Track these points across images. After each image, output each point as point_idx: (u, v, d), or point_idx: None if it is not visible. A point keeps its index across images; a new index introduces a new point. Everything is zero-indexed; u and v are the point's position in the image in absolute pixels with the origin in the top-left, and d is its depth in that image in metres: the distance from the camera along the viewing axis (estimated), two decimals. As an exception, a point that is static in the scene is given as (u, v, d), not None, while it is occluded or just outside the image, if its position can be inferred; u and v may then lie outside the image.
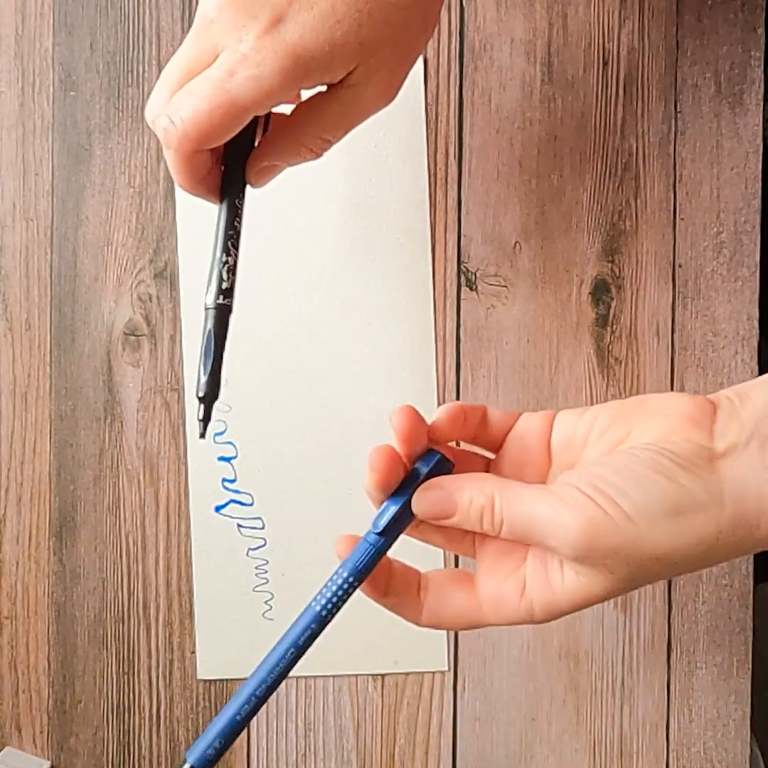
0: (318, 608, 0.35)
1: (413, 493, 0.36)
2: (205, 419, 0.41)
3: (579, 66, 0.53)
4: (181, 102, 0.37)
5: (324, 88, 0.39)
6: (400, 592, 0.38)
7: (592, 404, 0.53)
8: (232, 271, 0.41)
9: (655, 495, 0.33)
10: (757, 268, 0.53)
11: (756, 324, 0.53)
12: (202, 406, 0.41)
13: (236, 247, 0.41)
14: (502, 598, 0.36)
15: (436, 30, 0.52)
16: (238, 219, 0.41)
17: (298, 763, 0.53)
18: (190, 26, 0.38)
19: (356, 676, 0.53)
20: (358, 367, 0.53)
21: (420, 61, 0.52)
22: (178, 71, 0.38)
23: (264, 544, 0.53)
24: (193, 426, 0.53)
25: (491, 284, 0.53)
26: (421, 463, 0.37)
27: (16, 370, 0.53)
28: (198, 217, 0.52)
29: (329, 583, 0.36)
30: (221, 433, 0.53)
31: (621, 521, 0.33)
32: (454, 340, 0.53)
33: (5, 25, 0.53)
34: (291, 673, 0.54)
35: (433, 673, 0.53)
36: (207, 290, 0.41)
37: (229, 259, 0.41)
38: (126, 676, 0.53)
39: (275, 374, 0.53)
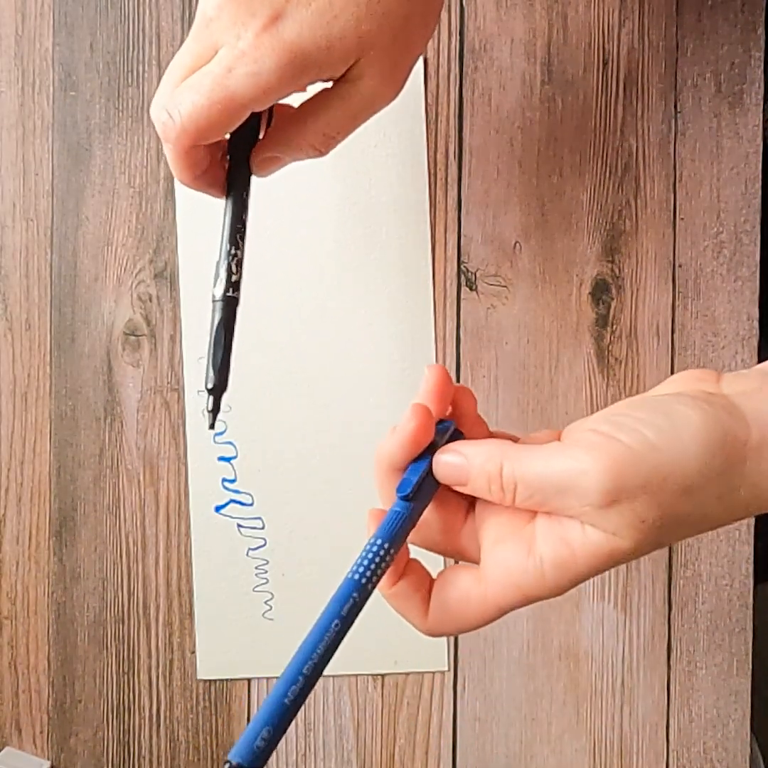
0: (356, 577, 0.33)
1: (433, 456, 0.36)
2: (215, 411, 0.41)
3: (579, 66, 0.53)
4: (180, 97, 0.37)
5: (329, 84, 0.39)
6: (412, 586, 0.36)
7: (591, 404, 0.53)
8: (240, 263, 0.41)
9: (679, 418, 0.32)
10: (757, 268, 0.53)
11: (756, 324, 0.53)
12: (210, 397, 0.41)
13: (243, 240, 0.41)
14: (508, 561, 0.34)
15: (436, 30, 0.52)
16: (244, 212, 0.41)
17: (298, 763, 0.53)
18: (190, 26, 0.38)
19: (356, 676, 0.53)
20: (358, 367, 0.53)
21: (420, 61, 0.52)
22: (180, 68, 0.38)
23: (264, 544, 0.53)
24: (193, 426, 0.53)
25: (491, 284, 0.53)
26: (437, 432, 0.36)
27: (16, 370, 0.53)
28: (198, 217, 0.52)
29: (363, 553, 0.34)
30: (221, 433, 0.53)
31: (646, 451, 0.31)
32: (454, 340, 0.53)
33: (5, 25, 0.53)
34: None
35: (433, 673, 0.53)
36: (215, 283, 0.41)
37: (238, 251, 0.41)
38: (126, 676, 0.53)
39: (275, 374, 0.53)
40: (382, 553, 0.34)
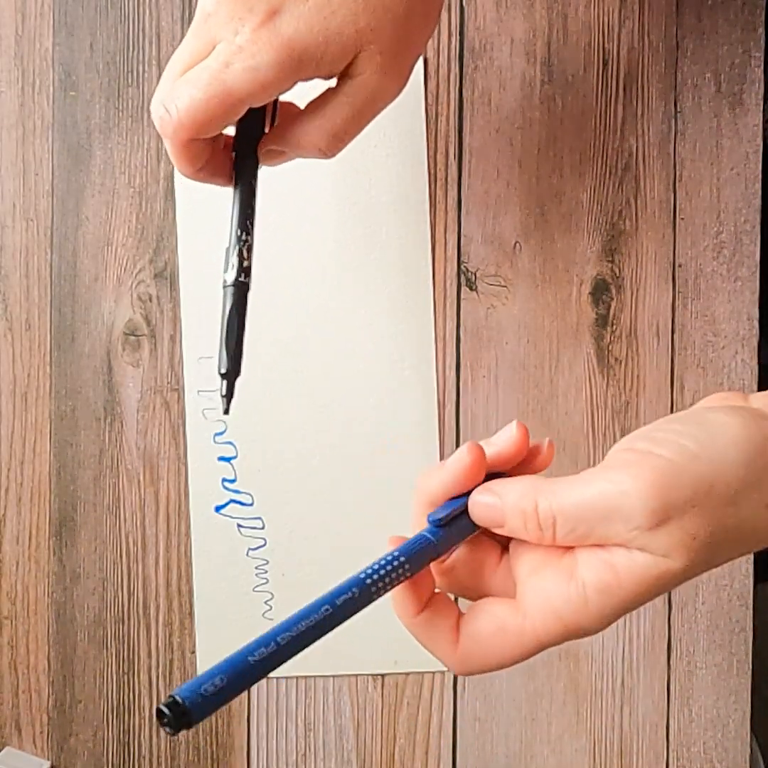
0: (361, 575, 0.32)
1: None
2: (229, 395, 0.41)
3: (579, 66, 0.53)
4: (177, 91, 0.37)
5: (333, 82, 0.39)
6: (438, 615, 0.34)
7: (591, 404, 0.53)
8: (250, 249, 0.41)
9: (716, 426, 0.31)
10: (757, 268, 0.53)
11: (756, 324, 0.53)
12: (224, 382, 0.41)
13: (253, 226, 0.41)
14: (548, 588, 0.32)
15: (436, 28, 0.52)
16: (253, 199, 0.42)
17: (298, 763, 0.53)
18: (190, 26, 0.39)
19: (356, 676, 0.53)
20: (358, 367, 0.53)
21: (420, 61, 0.52)
22: (179, 64, 0.38)
23: (264, 544, 0.53)
24: (193, 426, 0.53)
25: (491, 284, 0.53)
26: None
27: (16, 370, 0.53)
28: (198, 217, 0.52)
29: (379, 559, 0.33)
30: (221, 433, 0.53)
31: (688, 462, 0.30)
32: (454, 340, 0.53)
33: (5, 25, 0.53)
34: (291, 673, 0.54)
35: (433, 673, 0.53)
36: (226, 268, 0.41)
37: (249, 237, 0.41)
38: (126, 676, 0.53)
39: (275, 374, 0.53)
40: (395, 564, 0.33)
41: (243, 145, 0.41)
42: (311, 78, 0.38)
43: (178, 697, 0.28)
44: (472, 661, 0.33)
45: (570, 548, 0.32)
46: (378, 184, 0.52)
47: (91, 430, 0.53)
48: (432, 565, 0.35)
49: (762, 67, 0.52)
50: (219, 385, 0.41)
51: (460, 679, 0.53)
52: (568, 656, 0.53)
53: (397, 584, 0.33)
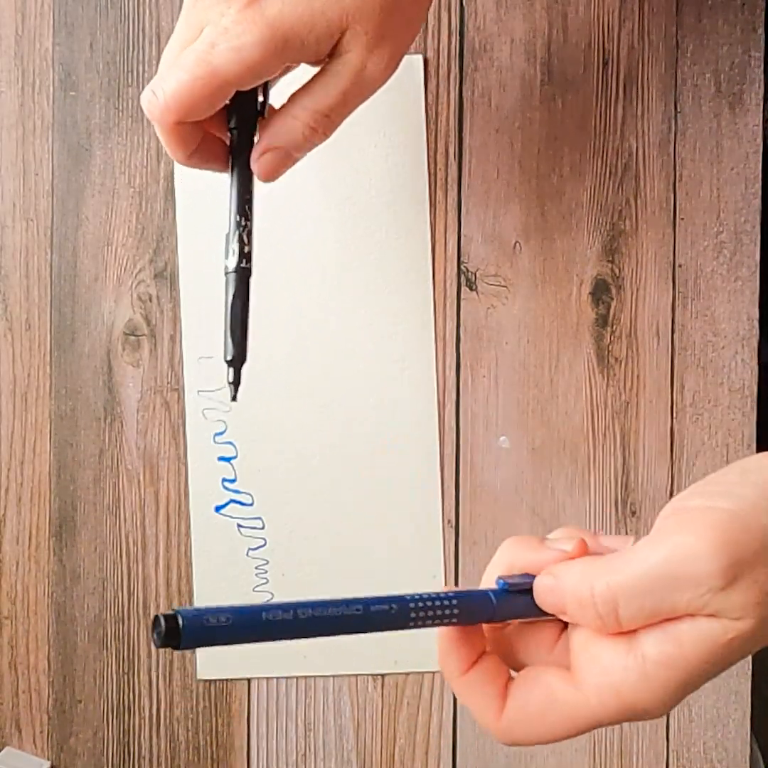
0: (407, 597, 0.31)
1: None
2: (236, 382, 0.41)
3: (579, 66, 0.53)
4: (165, 75, 0.37)
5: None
6: (486, 676, 0.32)
7: (591, 404, 0.53)
8: (250, 234, 0.41)
9: None
10: (757, 268, 0.52)
11: (756, 324, 0.53)
12: (231, 369, 0.41)
13: (252, 211, 0.41)
14: (604, 659, 0.29)
15: (435, 30, 0.52)
16: (250, 183, 0.41)
17: (298, 763, 0.53)
18: (180, 15, 0.39)
19: (356, 676, 0.53)
20: (358, 367, 0.53)
21: (420, 61, 0.52)
22: (172, 52, 0.38)
23: (264, 544, 0.53)
24: (193, 426, 0.53)
25: (491, 284, 0.53)
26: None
27: (16, 370, 0.53)
28: (198, 217, 0.52)
29: (430, 592, 0.31)
30: (221, 433, 0.53)
31: (751, 511, 0.27)
32: (454, 340, 0.53)
33: (5, 25, 0.53)
34: (291, 673, 0.54)
35: (433, 673, 0.53)
36: (226, 255, 0.41)
37: (248, 222, 0.41)
38: (126, 676, 0.53)
39: (275, 374, 0.53)
40: (445, 603, 0.31)
41: (238, 130, 0.41)
42: (298, 60, 0.38)
43: (179, 615, 0.28)
44: (517, 731, 0.31)
45: None
46: (378, 184, 0.52)
47: (91, 430, 0.53)
48: (484, 626, 0.33)
49: (762, 67, 0.52)
50: (226, 372, 0.41)
51: (460, 679, 0.53)
52: (568, 656, 0.53)
53: (438, 624, 0.31)
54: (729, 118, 0.52)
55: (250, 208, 0.41)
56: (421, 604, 0.31)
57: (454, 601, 0.31)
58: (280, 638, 0.30)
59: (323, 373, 0.53)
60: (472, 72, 0.53)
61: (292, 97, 0.40)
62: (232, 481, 0.53)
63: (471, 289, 0.53)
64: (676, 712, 0.53)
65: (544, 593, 0.31)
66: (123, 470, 0.53)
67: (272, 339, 0.53)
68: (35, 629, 0.53)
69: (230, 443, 0.53)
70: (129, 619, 0.53)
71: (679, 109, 0.53)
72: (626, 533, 0.53)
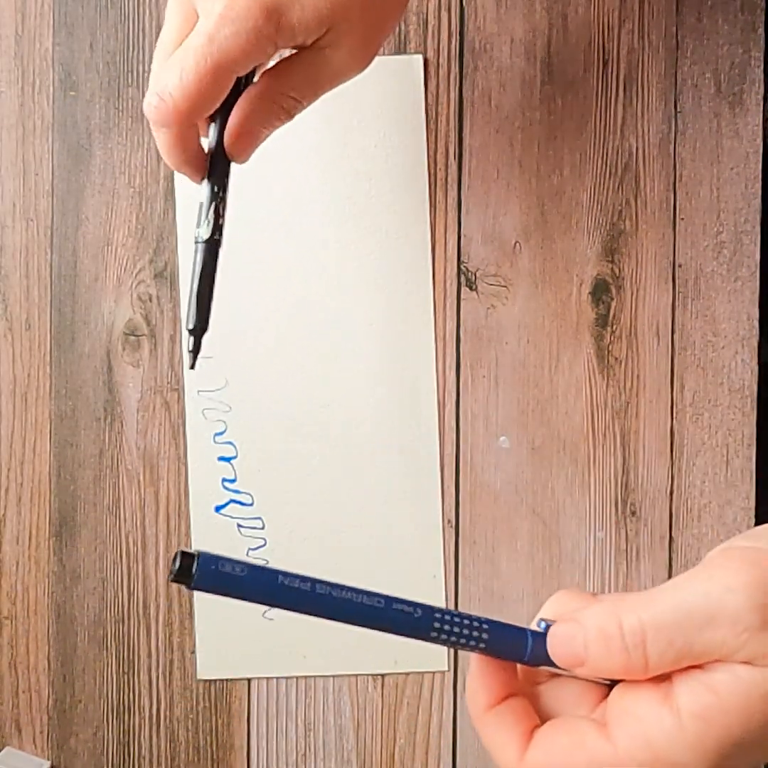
0: (435, 607, 0.30)
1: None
2: (195, 351, 0.41)
3: (579, 66, 0.53)
4: (167, 77, 0.37)
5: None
6: (513, 714, 0.30)
7: (591, 404, 0.53)
8: (225, 207, 0.42)
9: None
10: (757, 268, 0.53)
11: (756, 324, 0.53)
12: (191, 338, 0.41)
13: (227, 186, 0.42)
14: (639, 709, 0.27)
15: (435, 30, 0.52)
16: (228, 160, 0.42)
17: (298, 763, 0.53)
18: (167, 7, 0.39)
19: (356, 676, 0.53)
20: (358, 367, 0.53)
21: (420, 61, 0.52)
22: (168, 45, 0.39)
23: (264, 544, 0.53)
24: (193, 426, 0.53)
25: (491, 284, 0.53)
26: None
27: (16, 370, 0.53)
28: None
29: (461, 611, 0.30)
30: (221, 433, 0.53)
31: None
32: (454, 340, 0.53)
33: (5, 25, 0.53)
34: (291, 673, 0.54)
35: (433, 673, 0.53)
36: (199, 224, 0.41)
37: (224, 195, 0.42)
38: (126, 676, 0.53)
39: (275, 374, 0.53)
40: (474, 624, 0.30)
41: (221, 114, 0.41)
42: (286, 46, 0.39)
43: (197, 557, 0.28)
44: None
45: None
46: (378, 184, 0.52)
47: (91, 430, 0.53)
48: (521, 670, 0.32)
49: (762, 67, 0.52)
50: (186, 341, 0.41)
51: (460, 678, 0.53)
52: (568, 656, 0.53)
53: (462, 646, 0.30)
54: (729, 118, 0.52)
55: (227, 185, 0.42)
56: (447, 618, 0.30)
57: (485, 626, 0.30)
58: (289, 608, 0.29)
59: (323, 373, 0.53)
60: (472, 72, 0.53)
61: (267, 80, 0.40)
62: (232, 481, 0.53)
63: (471, 289, 0.53)
64: (676, 712, 0.53)
65: (561, 642, 0.29)
66: (123, 470, 0.53)
67: (272, 338, 0.53)
68: (35, 629, 0.53)
69: (230, 443, 0.53)
70: (129, 619, 0.53)
71: (679, 109, 0.53)
72: (626, 533, 0.53)
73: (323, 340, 0.53)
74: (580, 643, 0.28)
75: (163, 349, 0.53)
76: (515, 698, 0.31)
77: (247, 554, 0.53)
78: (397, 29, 0.52)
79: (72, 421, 0.53)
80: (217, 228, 0.41)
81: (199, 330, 0.42)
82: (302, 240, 0.53)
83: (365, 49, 0.40)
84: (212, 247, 0.42)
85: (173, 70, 0.37)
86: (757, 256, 0.52)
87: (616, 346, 0.53)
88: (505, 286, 0.53)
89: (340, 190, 0.52)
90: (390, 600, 0.29)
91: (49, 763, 0.53)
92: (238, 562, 0.29)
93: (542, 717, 0.31)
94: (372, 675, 0.53)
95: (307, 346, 0.53)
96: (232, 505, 0.53)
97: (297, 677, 0.53)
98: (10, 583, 0.53)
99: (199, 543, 0.53)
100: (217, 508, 0.53)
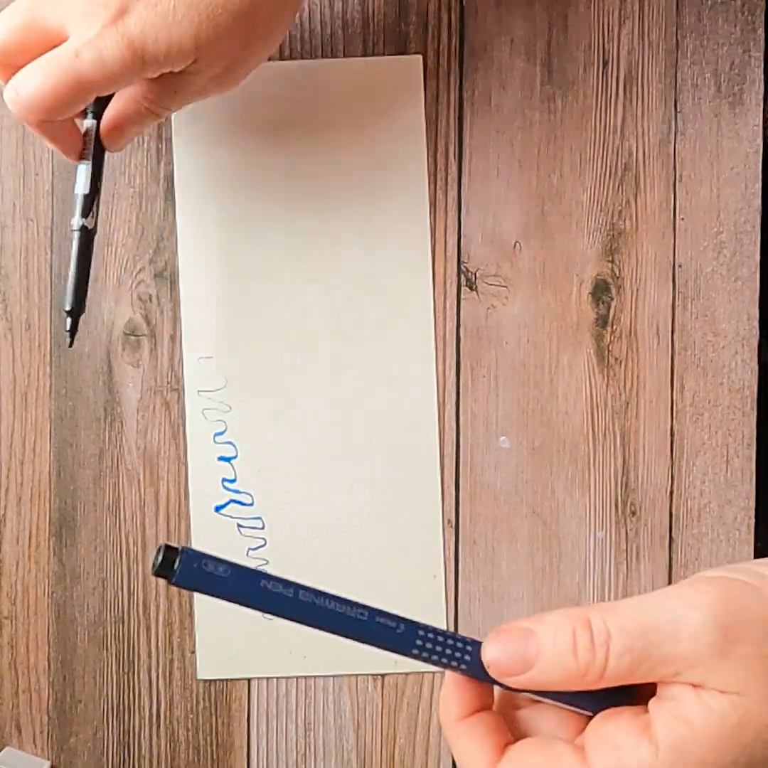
0: (419, 623, 0.29)
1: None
2: (72, 331, 0.46)
3: (579, 66, 0.53)
4: (28, 76, 0.40)
5: None
6: (486, 726, 0.30)
7: (591, 404, 0.53)
8: (99, 196, 0.47)
9: None
10: (757, 268, 0.53)
11: (756, 324, 0.53)
12: (69, 319, 0.46)
13: (102, 176, 0.47)
14: (617, 737, 0.27)
15: (435, 30, 0.52)
16: (103, 152, 0.46)
17: (298, 763, 0.53)
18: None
19: (356, 676, 0.53)
20: (358, 367, 0.53)
21: (420, 61, 0.52)
22: (13, 20, 0.41)
23: (264, 544, 0.53)
24: (193, 426, 0.53)
25: (491, 284, 0.53)
26: None
27: (16, 370, 0.53)
28: (198, 217, 0.52)
29: (445, 630, 0.30)
30: (221, 433, 0.53)
31: (763, 584, 0.27)
32: (454, 340, 0.53)
33: (5, 25, 0.53)
34: (291, 673, 0.54)
35: (433, 673, 0.53)
36: (84, 214, 0.46)
37: (99, 185, 0.46)
38: (126, 676, 0.53)
39: (275, 374, 0.53)
40: (458, 645, 0.29)
41: (95, 115, 0.45)
42: (154, 74, 0.41)
43: (181, 553, 0.28)
44: None
45: (644, 706, 0.28)
46: (378, 184, 0.52)
47: (91, 430, 0.53)
48: (501, 693, 0.31)
49: (762, 67, 0.52)
50: (64, 321, 0.46)
51: (460, 679, 0.53)
52: (568, 656, 0.53)
53: (443, 665, 0.30)
54: (729, 118, 0.52)
55: (101, 175, 0.47)
56: (430, 636, 0.29)
57: (469, 647, 0.30)
58: (271, 613, 0.29)
59: (323, 374, 0.53)
60: (472, 72, 0.53)
61: (138, 87, 0.43)
62: (232, 481, 0.53)
63: (471, 289, 0.53)
64: (676, 712, 0.53)
65: (504, 647, 0.29)
66: (123, 470, 0.53)
67: (271, 339, 0.53)
68: (35, 629, 0.53)
69: (230, 443, 0.53)
70: (129, 619, 0.53)
71: (679, 109, 0.53)
72: (626, 533, 0.53)
73: (323, 340, 0.53)
74: (533, 643, 0.28)
75: (163, 349, 0.53)
76: (489, 713, 0.31)
77: (247, 554, 0.53)
78: (397, 29, 0.52)
79: (72, 421, 0.53)
80: (95, 217, 0.47)
81: (76, 311, 0.46)
82: (301, 240, 0.53)
83: (233, 78, 0.43)
84: (90, 234, 0.47)
85: (36, 73, 0.39)
86: (757, 256, 0.52)
87: (616, 346, 0.53)
88: (505, 286, 0.53)
89: (339, 189, 0.52)
90: (374, 613, 0.29)
91: (49, 763, 0.53)
92: (222, 562, 0.29)
93: (518, 740, 0.31)
94: (372, 675, 0.53)
95: (307, 346, 0.53)
96: (232, 505, 0.53)
97: (297, 677, 0.53)
98: (10, 583, 0.53)
99: (199, 543, 0.53)
100: (217, 508, 0.53)
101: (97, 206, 0.47)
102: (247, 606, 0.29)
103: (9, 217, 0.53)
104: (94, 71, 0.39)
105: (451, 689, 0.31)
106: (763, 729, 0.26)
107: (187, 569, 0.28)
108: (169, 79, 0.41)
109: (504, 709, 0.32)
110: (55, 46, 0.40)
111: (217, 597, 0.29)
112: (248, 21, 0.40)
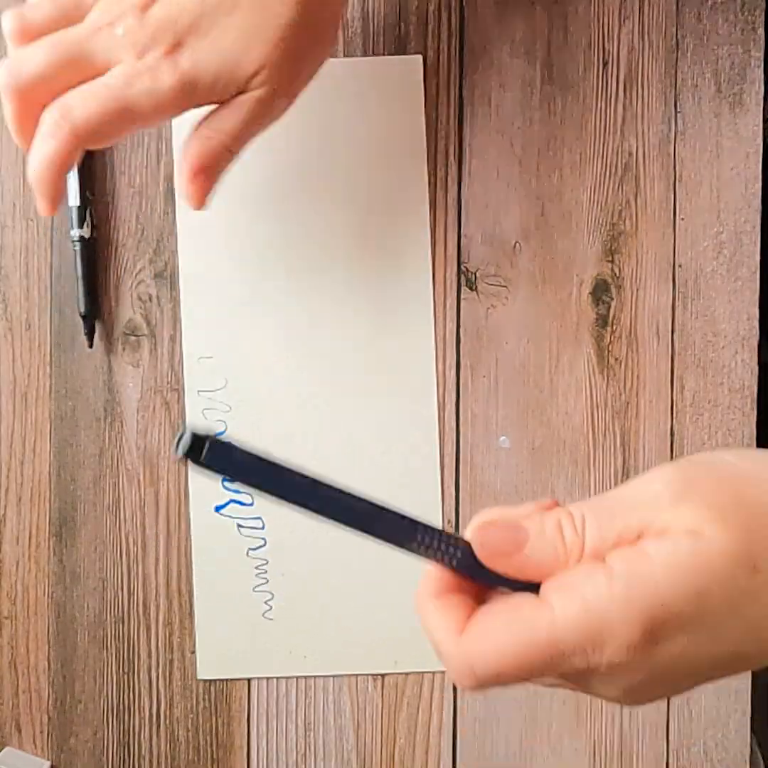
0: (420, 519, 0.31)
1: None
2: (90, 333, 0.52)
3: (579, 66, 0.53)
4: (77, 100, 0.39)
5: None
6: (460, 602, 0.31)
7: (591, 404, 0.53)
8: (94, 207, 0.51)
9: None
10: (757, 268, 0.53)
11: (756, 324, 0.53)
12: (85, 322, 0.52)
13: (94, 187, 0.50)
14: (574, 576, 0.29)
15: (435, 30, 0.52)
16: (93, 164, 0.49)
17: (298, 763, 0.53)
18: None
19: (356, 676, 0.53)
20: (358, 367, 0.53)
21: (420, 61, 0.52)
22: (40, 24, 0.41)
23: (264, 544, 0.53)
24: (193, 426, 0.53)
25: (491, 284, 0.53)
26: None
27: (16, 370, 0.53)
28: (198, 217, 0.52)
29: (445, 530, 0.32)
30: (221, 434, 0.53)
31: (725, 466, 0.30)
32: (454, 340, 0.53)
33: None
34: (291, 673, 0.54)
35: (433, 673, 0.53)
36: (82, 226, 0.50)
37: (93, 198, 0.50)
38: (126, 676, 0.53)
39: (275, 374, 0.53)
40: (453, 542, 0.31)
41: None
42: (205, 104, 0.41)
43: (209, 438, 0.29)
44: (475, 650, 0.30)
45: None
46: (378, 184, 0.52)
47: (91, 430, 0.53)
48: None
49: (762, 67, 0.52)
50: (82, 324, 0.52)
51: (460, 679, 0.53)
52: (568, 656, 0.53)
53: (437, 559, 0.31)
54: (729, 118, 0.52)
55: (93, 185, 0.50)
56: (429, 532, 0.31)
57: (462, 546, 0.31)
58: (285, 498, 0.31)
59: (322, 374, 0.53)
60: (472, 72, 0.53)
61: (205, 122, 0.42)
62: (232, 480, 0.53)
63: (471, 289, 0.53)
64: (676, 712, 0.53)
65: (496, 531, 0.31)
66: (123, 470, 0.53)
67: (271, 339, 0.53)
68: (35, 629, 0.53)
69: (230, 443, 0.53)
70: (129, 619, 0.53)
71: (679, 109, 0.53)
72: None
73: (323, 340, 0.53)
74: (523, 528, 0.30)
75: (163, 349, 0.53)
76: (463, 595, 0.32)
77: (247, 554, 0.53)
78: (397, 29, 0.52)
79: (72, 421, 0.53)
80: (93, 227, 0.51)
81: (91, 315, 0.52)
82: (301, 239, 0.53)
83: (291, 88, 0.42)
84: (93, 243, 0.51)
85: (85, 98, 0.39)
86: (757, 256, 0.52)
87: (616, 346, 0.53)
88: (505, 286, 0.53)
89: (339, 189, 0.52)
90: (380, 504, 0.32)
91: (49, 763, 0.53)
92: (245, 448, 0.31)
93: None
94: (372, 675, 0.53)
95: (307, 346, 0.53)
96: (232, 505, 0.53)
97: (297, 677, 0.53)
98: (10, 583, 0.53)
99: (199, 543, 0.53)
100: (217, 508, 0.53)
101: (92, 214, 0.50)
102: (269, 493, 0.31)
103: (9, 217, 0.53)
104: (146, 103, 0.39)
105: (433, 571, 0.32)
106: (719, 567, 0.27)
107: (216, 453, 0.30)
108: (235, 104, 0.41)
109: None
110: (96, 75, 0.39)
111: (239, 481, 0.31)
112: (295, 35, 0.40)
